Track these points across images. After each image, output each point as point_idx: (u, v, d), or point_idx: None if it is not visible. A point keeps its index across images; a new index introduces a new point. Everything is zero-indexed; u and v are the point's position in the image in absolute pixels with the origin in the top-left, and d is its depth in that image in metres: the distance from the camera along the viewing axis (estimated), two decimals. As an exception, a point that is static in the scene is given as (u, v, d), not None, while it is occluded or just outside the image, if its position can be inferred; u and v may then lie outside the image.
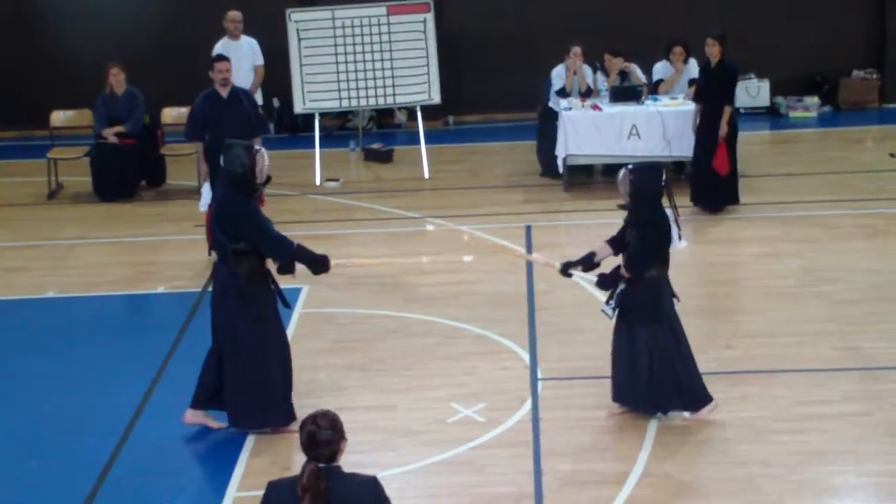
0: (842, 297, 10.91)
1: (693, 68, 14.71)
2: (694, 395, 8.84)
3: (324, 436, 5.34)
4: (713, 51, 13.27)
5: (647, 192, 8.64)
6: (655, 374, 8.73)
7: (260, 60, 15.17)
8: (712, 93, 13.26)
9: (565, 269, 9.23)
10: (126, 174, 14.94)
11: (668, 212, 8.73)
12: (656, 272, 8.74)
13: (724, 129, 13.14)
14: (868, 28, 17.74)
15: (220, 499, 8.11)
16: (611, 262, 8.96)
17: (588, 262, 9.05)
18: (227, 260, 8.71)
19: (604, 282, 8.91)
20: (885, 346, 9.89)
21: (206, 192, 11.89)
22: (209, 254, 12.11)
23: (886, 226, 12.69)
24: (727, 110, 13.19)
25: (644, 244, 8.68)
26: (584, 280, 11.48)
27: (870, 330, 10.20)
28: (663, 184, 8.70)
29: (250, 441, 8.84)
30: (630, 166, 8.82)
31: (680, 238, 8.82)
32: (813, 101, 17.55)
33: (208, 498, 8.26)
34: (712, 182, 13.31)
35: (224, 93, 12.27)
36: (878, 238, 12.41)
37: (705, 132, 13.31)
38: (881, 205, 13.12)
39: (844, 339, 10.06)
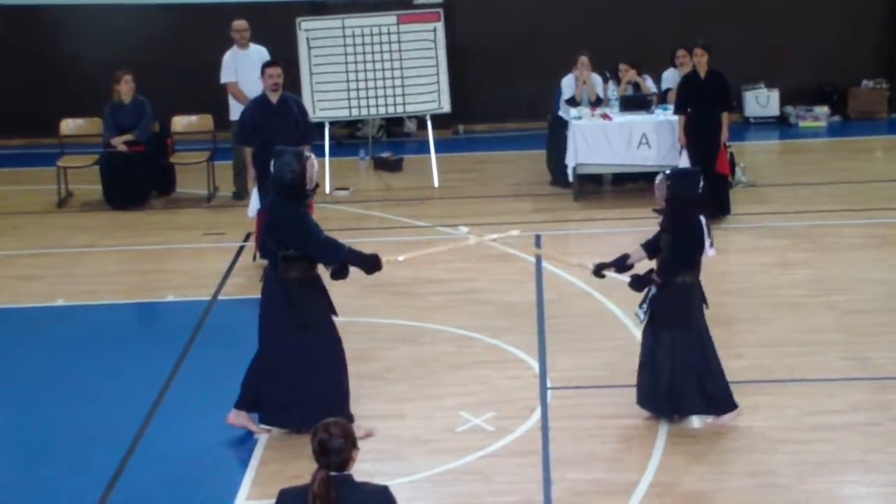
0: (851, 307, 10.90)
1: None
2: (718, 401, 8.86)
3: (335, 444, 5.34)
4: (701, 60, 13.37)
5: (683, 198, 8.71)
6: (677, 379, 8.75)
7: (269, 69, 15.19)
8: (708, 101, 13.33)
9: (598, 270, 9.35)
10: (135, 182, 14.97)
11: (702, 219, 8.77)
12: (688, 278, 8.81)
13: (726, 134, 13.28)
14: (878, 38, 17.74)
15: (230, 507, 8.13)
16: (645, 265, 9.02)
17: (621, 264, 9.17)
18: (278, 266, 8.71)
19: (636, 283, 8.98)
20: (894, 356, 9.87)
21: (255, 199, 12.02)
22: (254, 259, 12.18)
23: (892, 235, 12.67)
24: (727, 116, 13.33)
25: (677, 250, 8.76)
26: (594, 289, 11.51)
27: (879, 340, 10.19)
28: (699, 190, 8.75)
29: (260, 449, 8.85)
30: (668, 172, 8.91)
31: (711, 245, 8.87)
32: (822, 110, 17.56)
33: (218, 507, 8.27)
34: (715, 187, 13.35)
35: (274, 98, 12.24)
36: (888, 248, 12.40)
37: (704, 140, 13.33)
38: (891, 214, 13.11)
39: (853, 350, 10.05)
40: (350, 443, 5.38)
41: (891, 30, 17.69)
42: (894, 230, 12.83)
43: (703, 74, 13.41)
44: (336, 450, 5.34)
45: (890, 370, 9.64)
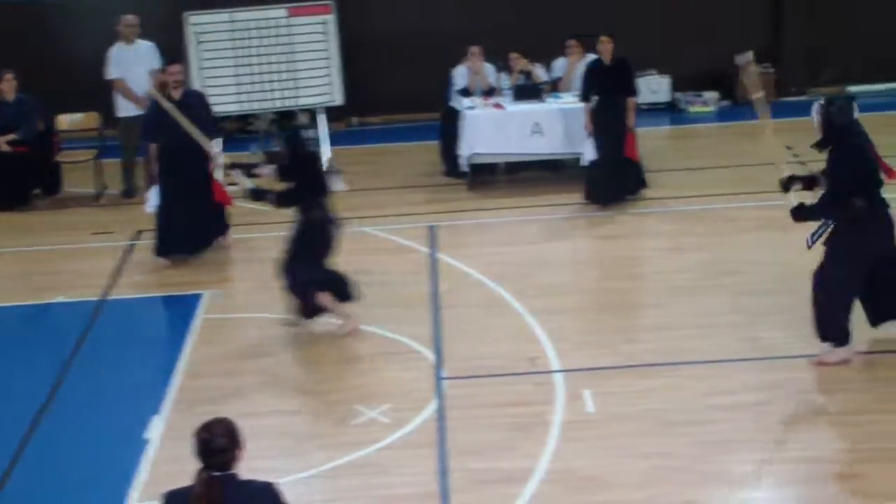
0: (743, 289, 11.01)
1: (592, 63, 14.82)
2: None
3: (218, 443, 5.25)
4: (607, 47, 13.46)
5: (838, 123, 9.11)
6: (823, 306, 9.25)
7: (158, 64, 14.95)
8: (613, 87, 13.40)
9: (788, 182, 9.74)
10: (20, 182, 14.64)
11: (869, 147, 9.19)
12: (860, 203, 9.06)
13: (632, 119, 13.43)
14: (763, 23, 17.94)
15: (121, 509, 7.98)
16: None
17: (810, 181, 9.61)
18: None
19: (798, 213, 9.36)
20: (784, 335, 9.98)
21: (154, 194, 12.24)
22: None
23: (785, 218, 12.78)
24: (633, 102, 13.48)
25: (839, 177, 9.07)
26: (488, 279, 11.51)
27: (770, 321, 10.29)
28: (854, 116, 9.21)
29: (152, 449, 8.69)
30: (822, 100, 9.35)
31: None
32: (711, 95, 17.74)
33: (108, 509, 8.11)
34: (628, 171, 13.48)
35: (177, 95, 12.33)
36: (778, 230, 12.50)
37: (610, 125, 13.42)
38: (777, 196, 13.21)
39: (746, 330, 10.14)
40: (234, 441, 5.29)
41: (776, 15, 17.91)
42: (784, 212, 12.90)
43: (607, 61, 13.52)
44: (219, 449, 5.25)
45: (781, 349, 9.74)
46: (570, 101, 14.45)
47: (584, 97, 13.74)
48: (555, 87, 14.96)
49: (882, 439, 8.32)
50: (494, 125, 14.40)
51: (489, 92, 14.87)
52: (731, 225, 12.75)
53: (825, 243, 9.33)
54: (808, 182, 9.64)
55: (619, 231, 12.89)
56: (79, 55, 16.75)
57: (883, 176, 9.23)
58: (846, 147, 9.15)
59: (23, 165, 14.61)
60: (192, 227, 12.37)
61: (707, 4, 17.62)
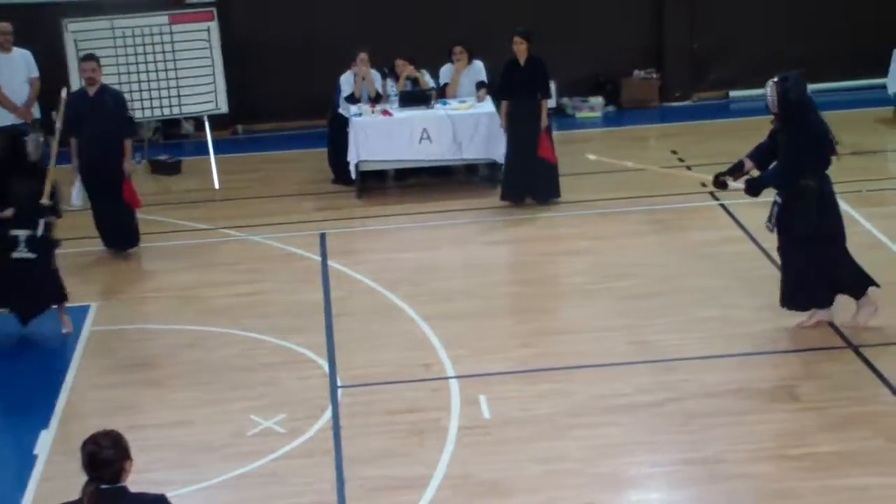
0: (632, 291, 11.12)
1: (478, 70, 14.87)
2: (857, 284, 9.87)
3: (105, 455, 5.19)
4: (521, 48, 13.59)
5: (794, 99, 9.43)
6: (809, 277, 9.72)
7: (35, 72, 14.63)
8: (527, 88, 13.55)
9: (717, 179, 10.05)
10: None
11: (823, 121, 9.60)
12: (812, 182, 9.48)
13: (545, 120, 13.58)
14: (647, 30, 18.18)
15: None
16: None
17: (739, 171, 9.95)
18: None
19: (753, 187, 9.73)
20: (673, 337, 10.12)
21: (78, 187, 12.76)
22: None
23: (672, 220, 13.01)
24: (546, 102, 13.63)
25: (795, 153, 9.45)
26: (381, 286, 11.49)
27: (659, 323, 10.42)
28: (807, 91, 9.55)
29: (40, 465, 8.52)
30: (777, 77, 9.54)
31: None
32: (597, 100, 17.92)
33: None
34: (541, 172, 13.56)
35: (91, 91, 12.71)
36: (667, 233, 12.71)
37: (523, 125, 13.56)
38: (668, 200, 13.44)
39: (636, 333, 10.25)
40: (121, 452, 5.23)
41: (659, 22, 18.16)
42: (671, 215, 13.15)
43: (522, 62, 13.63)
44: (106, 461, 5.19)
45: (671, 352, 9.87)
46: (457, 108, 14.50)
47: (500, 96, 13.90)
48: (442, 93, 14.99)
49: (771, 438, 8.48)
50: (382, 132, 14.38)
51: (375, 98, 14.84)
52: (622, 229, 12.86)
53: (779, 225, 9.75)
54: (737, 169, 10.01)
55: (511, 236, 12.95)
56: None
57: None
58: (806, 123, 9.55)
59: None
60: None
61: (591, 10, 17.78)
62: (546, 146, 13.65)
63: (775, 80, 9.55)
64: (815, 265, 9.75)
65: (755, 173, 9.92)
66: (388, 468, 8.30)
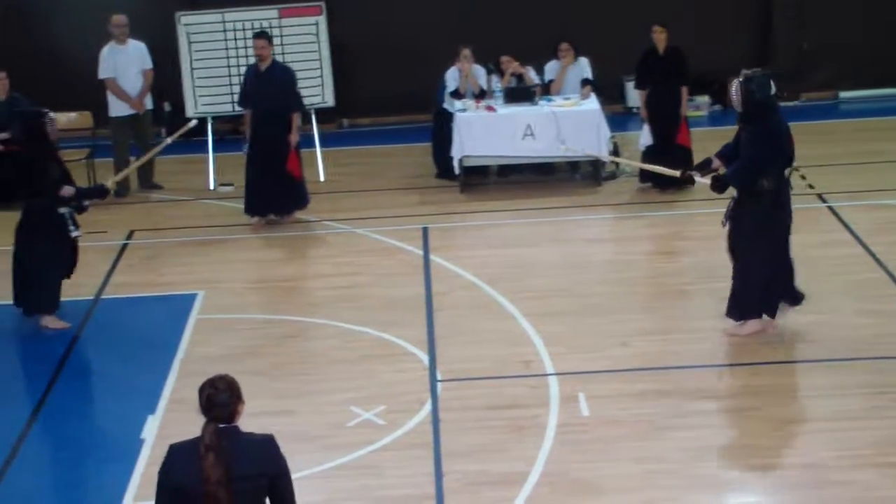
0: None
1: (584, 67, 14.88)
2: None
3: (222, 398, 5.58)
4: (660, 37, 13.93)
5: (757, 100, 9.42)
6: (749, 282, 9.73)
7: (149, 64, 14.99)
8: (667, 76, 13.88)
9: (684, 174, 10.40)
10: (10, 181, 14.60)
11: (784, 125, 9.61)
12: (769, 184, 9.48)
13: (685, 108, 14.03)
14: (755, 28, 18.00)
15: (117, 510, 8.01)
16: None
17: (706, 167, 10.02)
18: None
19: (718, 184, 9.78)
20: (770, 340, 10.02)
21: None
22: None
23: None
24: (686, 90, 14.00)
25: (757, 153, 9.44)
26: (482, 281, 11.55)
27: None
28: (773, 92, 9.51)
29: (147, 449, 8.72)
30: (742, 76, 9.53)
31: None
32: (703, 99, 17.70)
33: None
34: (685, 157, 13.48)
35: (263, 67, 13.45)
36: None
37: (664, 113, 13.85)
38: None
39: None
40: (235, 395, 5.62)
41: (767, 19, 17.96)
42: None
43: (661, 51, 13.95)
44: (223, 403, 5.57)
45: (764, 355, 9.79)
46: (562, 104, 14.52)
47: (638, 85, 14.21)
48: (546, 90, 15.01)
49: (871, 445, 8.38)
50: (486, 128, 14.44)
51: (480, 94, 14.91)
52: (722, 229, 12.72)
53: (732, 224, 9.79)
54: (705, 165, 10.09)
55: (610, 234, 12.96)
56: (71, 55, 16.72)
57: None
58: (769, 123, 9.52)
59: (15, 165, 14.54)
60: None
61: (700, 8, 17.61)
62: (684, 133, 13.93)
63: (740, 79, 9.52)
64: (762, 269, 9.74)
65: (723, 171, 9.90)
66: (486, 463, 8.35)
